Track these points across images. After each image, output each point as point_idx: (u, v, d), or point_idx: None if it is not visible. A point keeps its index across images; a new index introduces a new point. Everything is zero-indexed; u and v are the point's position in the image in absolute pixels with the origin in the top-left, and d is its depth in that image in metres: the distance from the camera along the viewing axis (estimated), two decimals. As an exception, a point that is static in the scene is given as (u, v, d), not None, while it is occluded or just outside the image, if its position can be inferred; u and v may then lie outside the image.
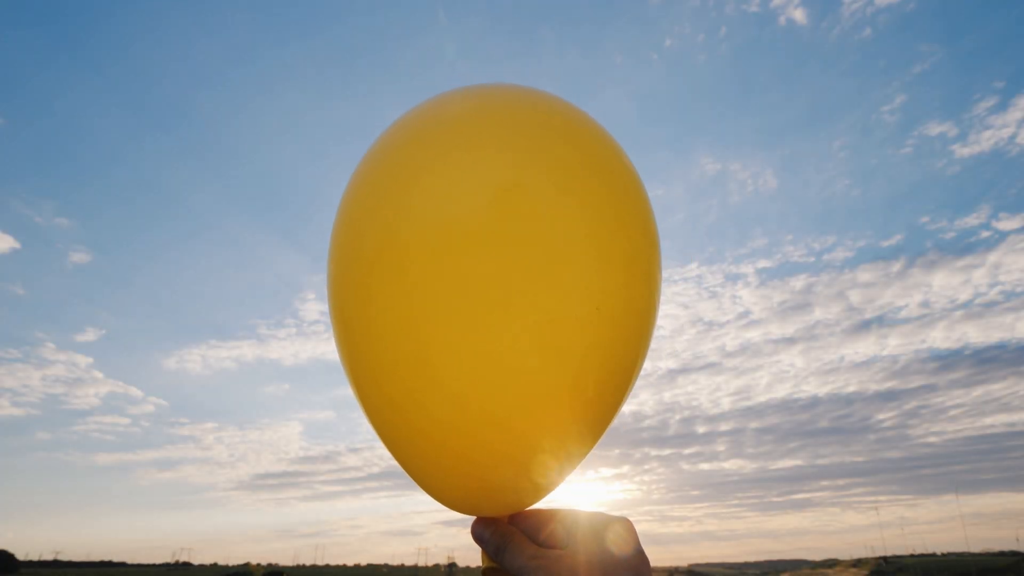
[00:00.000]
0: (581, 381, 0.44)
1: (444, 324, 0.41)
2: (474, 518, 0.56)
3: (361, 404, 0.50)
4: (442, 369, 0.42)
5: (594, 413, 0.48)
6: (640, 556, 0.49)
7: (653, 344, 0.51)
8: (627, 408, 0.53)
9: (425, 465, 0.50)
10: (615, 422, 0.52)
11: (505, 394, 0.43)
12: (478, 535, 0.56)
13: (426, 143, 0.44)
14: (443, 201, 0.41)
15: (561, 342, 0.42)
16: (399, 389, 0.44)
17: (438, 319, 0.41)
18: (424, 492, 0.53)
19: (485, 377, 0.42)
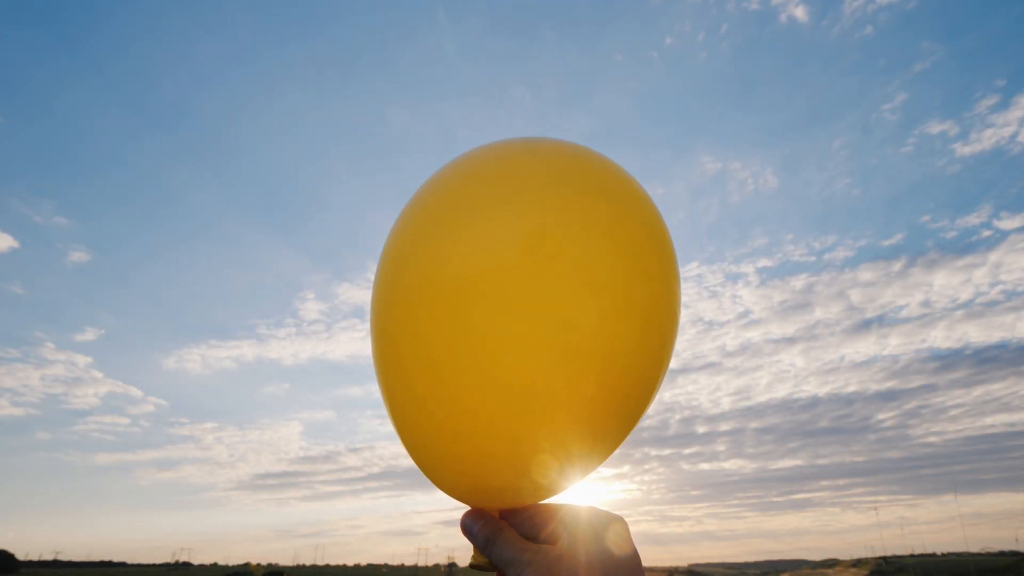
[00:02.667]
0: (596, 408, 0.48)
1: (472, 352, 0.47)
2: (460, 514, 0.57)
3: (389, 408, 0.55)
4: (466, 387, 0.48)
5: (604, 434, 0.51)
6: (637, 557, 0.50)
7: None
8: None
9: (435, 456, 0.53)
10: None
11: (522, 411, 0.47)
12: (467, 528, 0.56)
13: (462, 195, 0.50)
14: (475, 248, 0.47)
15: (578, 377, 0.47)
16: (426, 397, 0.50)
17: (468, 350, 0.47)
18: (427, 478, 0.56)
19: (504, 395, 0.47)
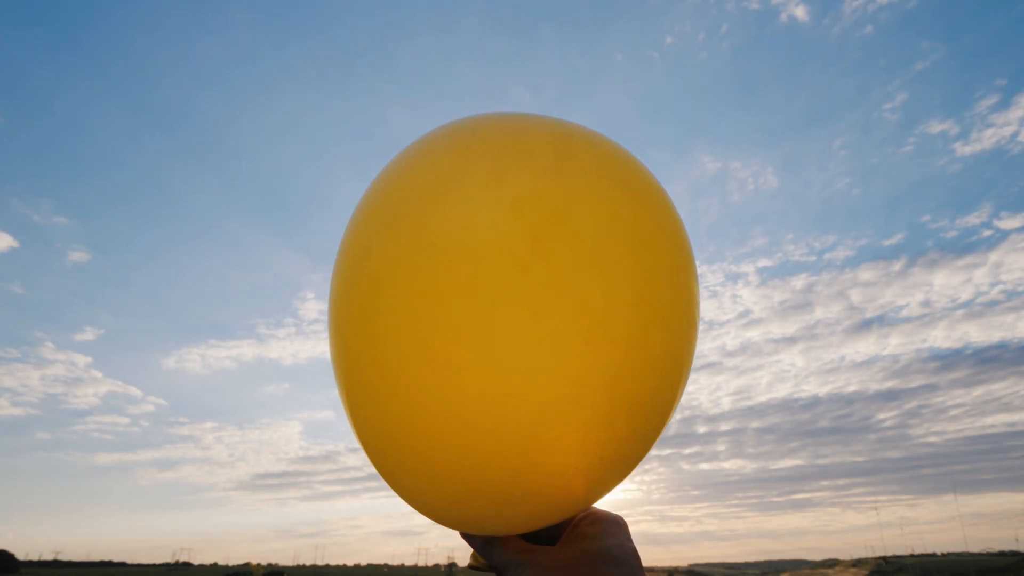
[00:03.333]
0: (611, 407, 0.39)
1: (458, 339, 0.38)
2: None
3: (353, 421, 0.47)
4: (456, 384, 0.38)
5: (623, 445, 0.42)
6: (636, 555, 0.48)
7: None
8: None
9: (416, 484, 0.45)
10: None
11: (523, 413, 0.38)
12: None
13: (442, 161, 0.42)
14: (461, 216, 0.39)
15: (582, 361, 0.38)
16: (404, 404, 0.40)
17: (454, 334, 0.38)
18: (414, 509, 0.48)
19: (503, 391, 0.38)
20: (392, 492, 0.48)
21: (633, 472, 0.47)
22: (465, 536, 0.54)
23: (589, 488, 0.43)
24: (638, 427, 0.42)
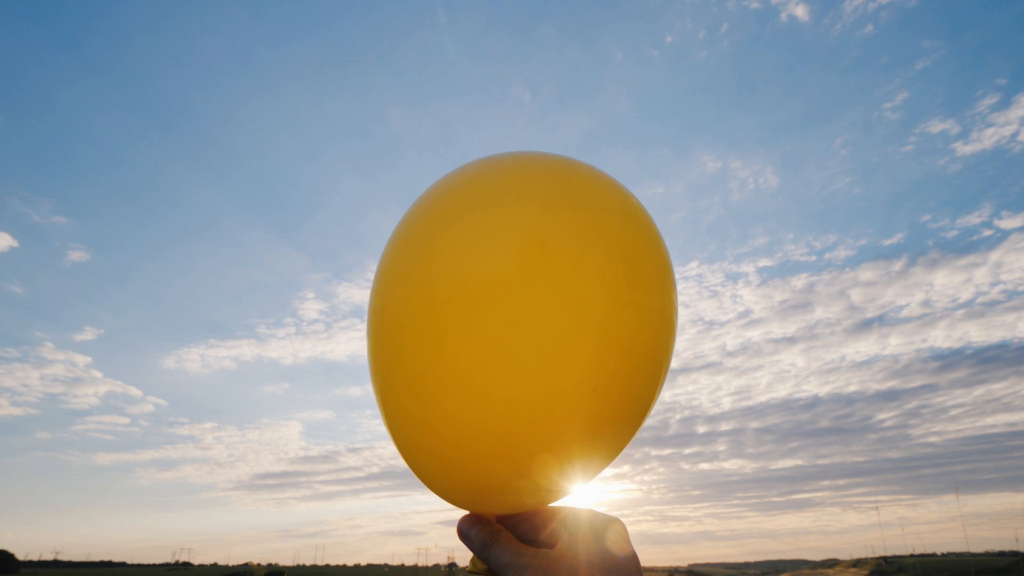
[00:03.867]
0: (599, 413, 0.48)
1: (469, 360, 0.46)
2: (458, 517, 0.56)
3: (383, 410, 0.55)
4: (465, 395, 0.47)
5: (605, 439, 0.50)
6: (635, 558, 0.49)
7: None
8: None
9: (431, 462, 0.53)
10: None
11: (523, 416, 0.47)
12: (464, 532, 0.55)
13: (455, 203, 0.51)
14: (470, 254, 0.47)
15: (574, 379, 0.46)
16: (423, 405, 0.49)
17: (466, 357, 0.46)
18: (425, 487, 0.56)
19: (506, 401, 0.46)
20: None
21: (620, 455, 0.55)
22: (464, 539, 0.55)
23: (585, 460, 0.51)
24: (627, 409, 0.50)
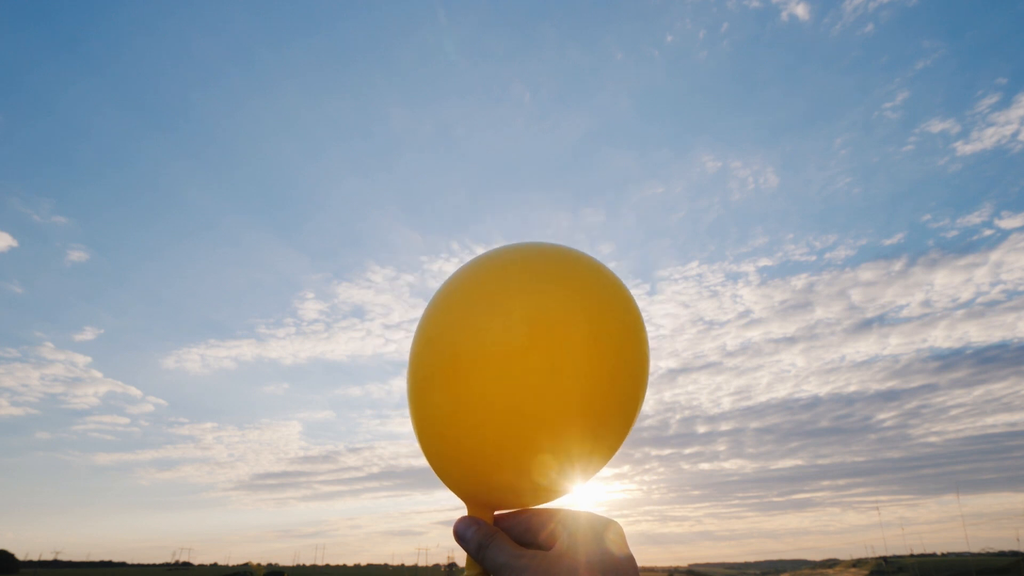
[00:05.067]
0: (587, 417, 0.57)
1: (486, 409, 0.57)
2: (456, 518, 0.59)
3: (416, 426, 0.66)
4: (478, 425, 0.58)
5: (597, 440, 0.59)
6: (632, 560, 0.50)
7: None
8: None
9: (446, 454, 0.61)
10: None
11: (523, 432, 0.56)
12: (460, 533, 0.56)
13: (478, 289, 0.64)
14: (483, 328, 0.59)
15: (562, 427, 0.56)
16: (447, 424, 0.60)
17: (483, 408, 0.57)
18: (438, 477, 0.64)
19: (509, 427, 0.56)
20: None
21: (615, 456, 0.64)
22: (459, 540, 0.56)
23: (584, 461, 0.58)
24: (618, 410, 0.60)
